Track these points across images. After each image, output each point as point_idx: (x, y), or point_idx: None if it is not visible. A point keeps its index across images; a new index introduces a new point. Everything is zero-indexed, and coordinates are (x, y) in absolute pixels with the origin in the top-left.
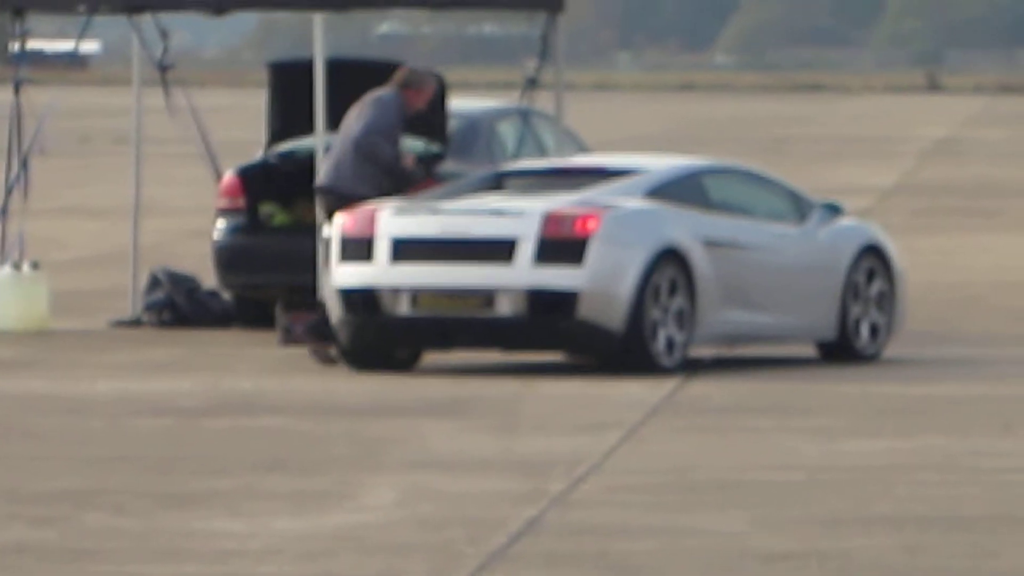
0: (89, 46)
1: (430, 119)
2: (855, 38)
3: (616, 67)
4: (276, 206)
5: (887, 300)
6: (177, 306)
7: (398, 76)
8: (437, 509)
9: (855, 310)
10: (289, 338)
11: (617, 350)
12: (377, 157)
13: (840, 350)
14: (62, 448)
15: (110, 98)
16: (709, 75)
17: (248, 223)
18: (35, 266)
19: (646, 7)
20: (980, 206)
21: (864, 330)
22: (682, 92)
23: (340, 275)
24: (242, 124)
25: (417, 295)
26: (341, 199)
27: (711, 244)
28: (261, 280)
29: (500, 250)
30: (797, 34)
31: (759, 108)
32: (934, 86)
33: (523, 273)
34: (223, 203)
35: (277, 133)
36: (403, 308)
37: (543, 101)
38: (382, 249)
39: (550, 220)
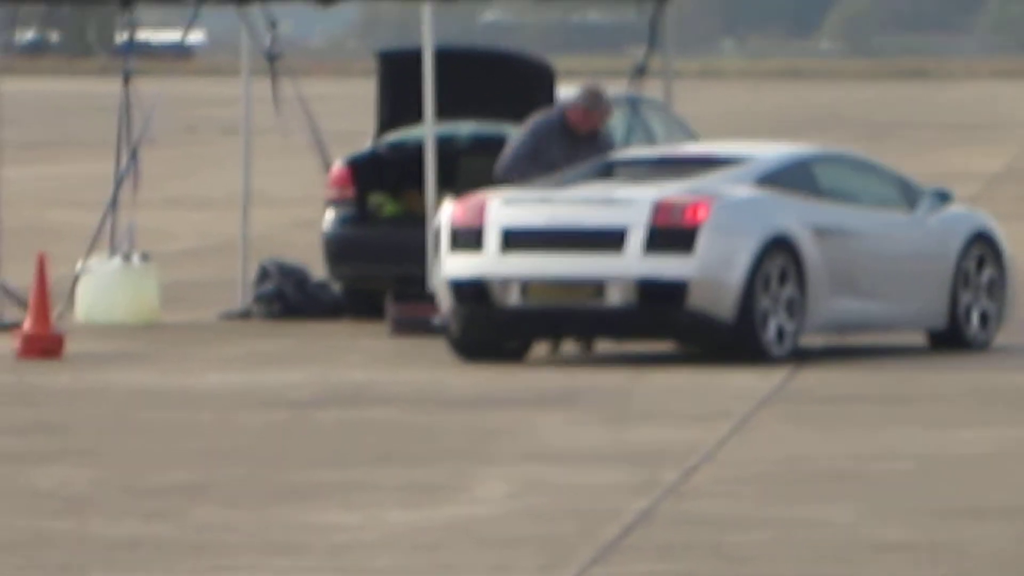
0: (195, 36)
1: (540, 107)
2: (961, 23)
3: (721, 54)
4: (385, 196)
5: (997, 288)
6: (287, 297)
7: (578, 95)
8: (549, 501)
9: (965, 298)
10: (400, 328)
11: (727, 339)
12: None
13: (950, 338)
14: (173, 442)
15: (217, 88)
16: (814, 62)
17: (357, 214)
18: (145, 258)
19: None
20: None
21: (975, 318)
22: (787, 79)
23: (450, 265)
24: (349, 114)
25: (527, 285)
26: None
27: (821, 232)
28: (371, 271)
29: (610, 239)
30: (902, 20)
31: (865, 94)
32: None
33: (633, 262)
34: (332, 194)
35: (386, 123)
36: (513, 299)
37: (651, 89)
38: (492, 239)
39: (660, 209)
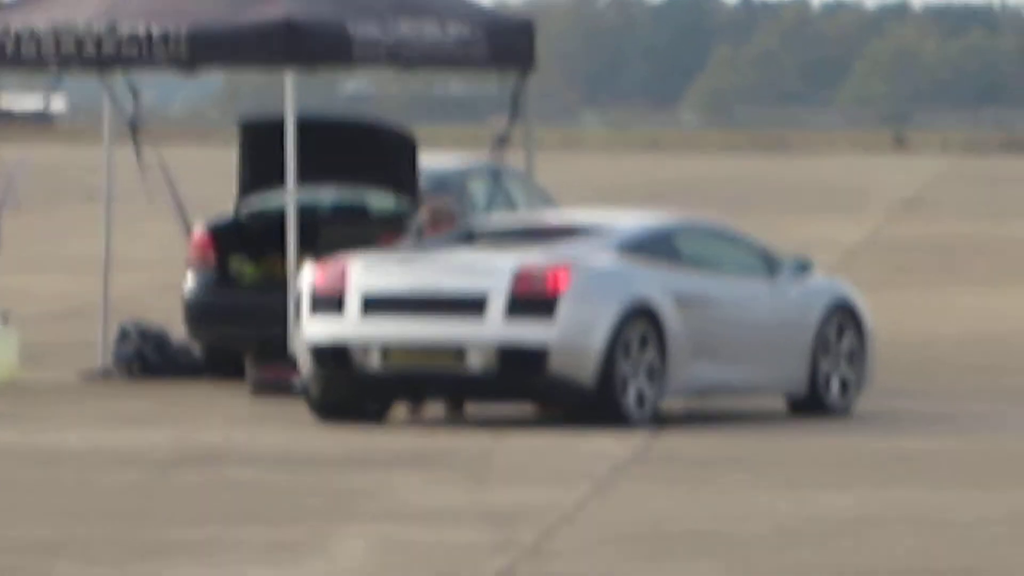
0: (55, 104)
1: (401, 175)
2: (822, 98)
3: (582, 125)
4: (246, 261)
5: (857, 356)
6: (147, 359)
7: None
8: (408, 560)
9: (825, 365)
10: (260, 390)
11: (588, 404)
12: None
13: (810, 404)
14: (32, 499)
15: (79, 154)
16: (676, 133)
17: (218, 278)
18: (5, 318)
19: (612, 67)
20: (947, 263)
21: (834, 385)
22: (648, 150)
23: (311, 329)
24: (210, 181)
25: (388, 350)
26: None
27: (681, 299)
28: (232, 334)
29: (471, 305)
30: (763, 93)
31: (726, 165)
32: (900, 144)
33: (494, 328)
34: (193, 258)
35: (247, 189)
36: (374, 363)
37: (512, 159)
38: (353, 303)
39: (521, 276)
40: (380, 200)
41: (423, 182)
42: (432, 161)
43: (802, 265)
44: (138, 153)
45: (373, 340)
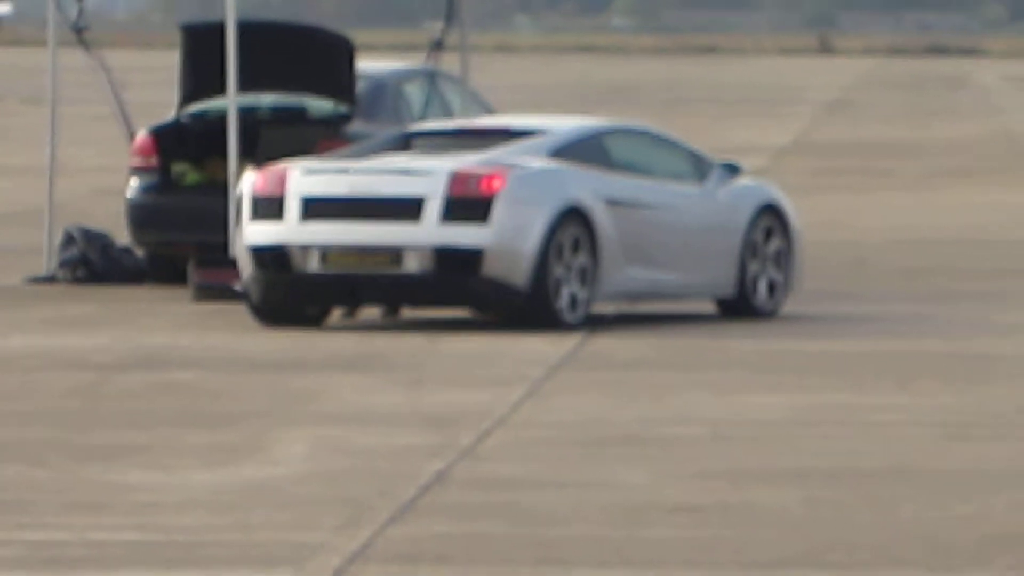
0: (1, 8)
1: (338, 80)
2: (748, 2)
3: (516, 30)
4: (188, 165)
5: (784, 258)
6: (91, 263)
7: None
8: (348, 462)
9: (753, 268)
10: (202, 293)
11: (521, 307)
12: None
13: (739, 307)
14: None
15: (22, 58)
16: (607, 37)
17: (161, 182)
18: None
19: None
20: (873, 166)
21: (762, 287)
22: (581, 54)
23: (251, 233)
24: (153, 86)
25: (326, 252)
26: None
27: (613, 203)
28: (174, 238)
29: (408, 209)
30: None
31: (656, 69)
32: (826, 48)
33: (430, 231)
34: (136, 162)
35: (189, 94)
36: (313, 265)
37: (447, 63)
38: (292, 208)
39: (456, 179)
40: (318, 105)
41: (360, 85)
42: (369, 66)
43: (731, 168)
44: (87, 56)
45: (312, 243)
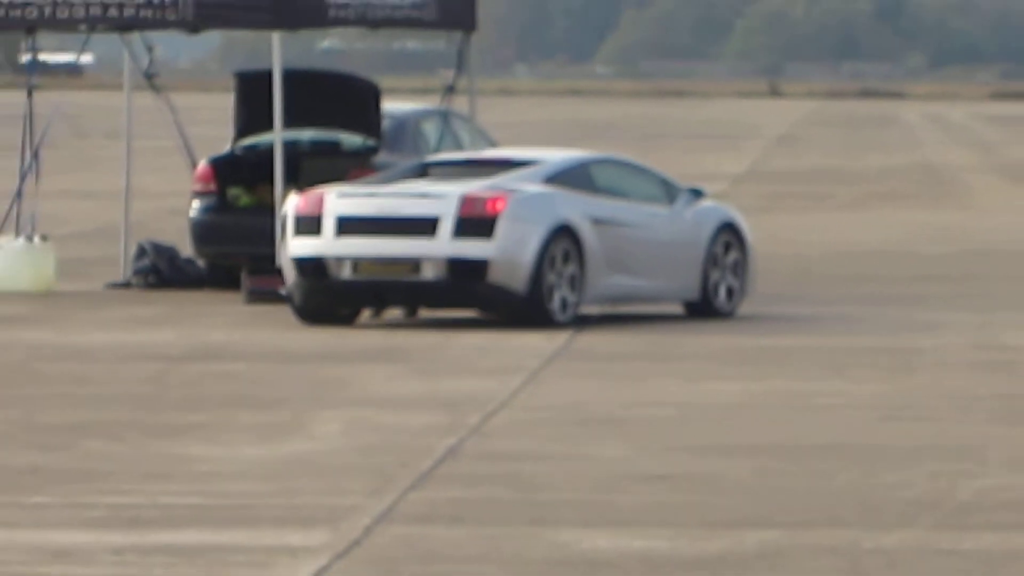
0: (85, 58)
1: (367, 118)
2: (712, 52)
3: (515, 76)
4: (242, 190)
5: (740, 268)
6: (160, 271)
7: None
8: (375, 439)
9: (714, 276)
10: (253, 297)
11: (520, 308)
12: None
13: (702, 309)
14: (67, 387)
15: (103, 101)
16: (592, 83)
17: (218, 204)
18: (44, 239)
19: (538, 26)
20: (814, 191)
21: (722, 292)
22: (570, 97)
23: (294, 246)
24: (211, 123)
25: (357, 263)
26: None
27: (597, 222)
28: (229, 250)
29: (425, 226)
30: (663, 49)
31: (633, 110)
32: (775, 92)
33: (444, 245)
34: (198, 187)
35: (242, 130)
36: (346, 273)
37: (458, 104)
38: (329, 225)
39: (466, 201)
40: (350, 139)
41: (384, 123)
42: (392, 106)
43: (696, 193)
44: (157, 97)
45: (345, 255)
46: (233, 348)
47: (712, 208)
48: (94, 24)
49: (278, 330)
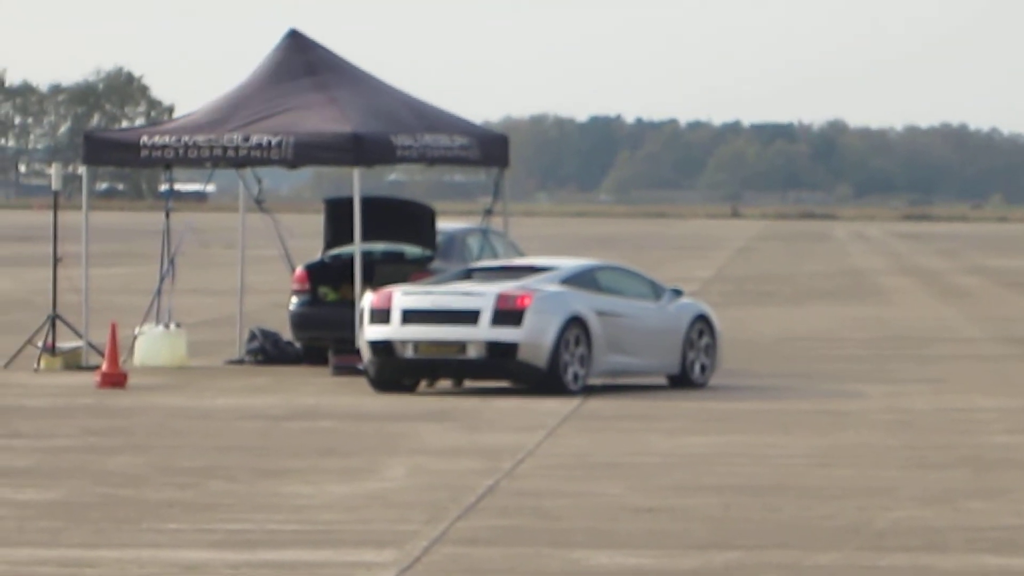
0: (209, 187)
1: (425, 234)
2: (687, 184)
3: (538, 202)
4: (329, 288)
5: (711, 349)
6: (267, 351)
7: None
8: (431, 479)
9: (691, 355)
10: (337, 371)
11: (543, 380)
12: None
13: (681, 380)
14: (195, 440)
15: (222, 220)
16: (596, 207)
17: (311, 299)
18: (178, 325)
19: (555, 164)
20: (766, 289)
21: (697, 368)
22: (580, 217)
23: (369, 332)
24: (306, 237)
25: (417, 345)
26: None
27: (601, 313)
28: (320, 335)
29: (470, 317)
30: (651, 181)
31: (628, 227)
32: (736, 214)
33: (484, 331)
34: (295, 287)
35: (329, 243)
36: (408, 353)
37: (495, 223)
38: (396, 316)
39: (501, 298)
40: (412, 250)
41: (438, 238)
42: (444, 225)
43: (676, 291)
44: (266, 216)
45: (408, 339)
46: (322, 410)
47: (689, 303)
48: (216, 162)
49: (357, 396)
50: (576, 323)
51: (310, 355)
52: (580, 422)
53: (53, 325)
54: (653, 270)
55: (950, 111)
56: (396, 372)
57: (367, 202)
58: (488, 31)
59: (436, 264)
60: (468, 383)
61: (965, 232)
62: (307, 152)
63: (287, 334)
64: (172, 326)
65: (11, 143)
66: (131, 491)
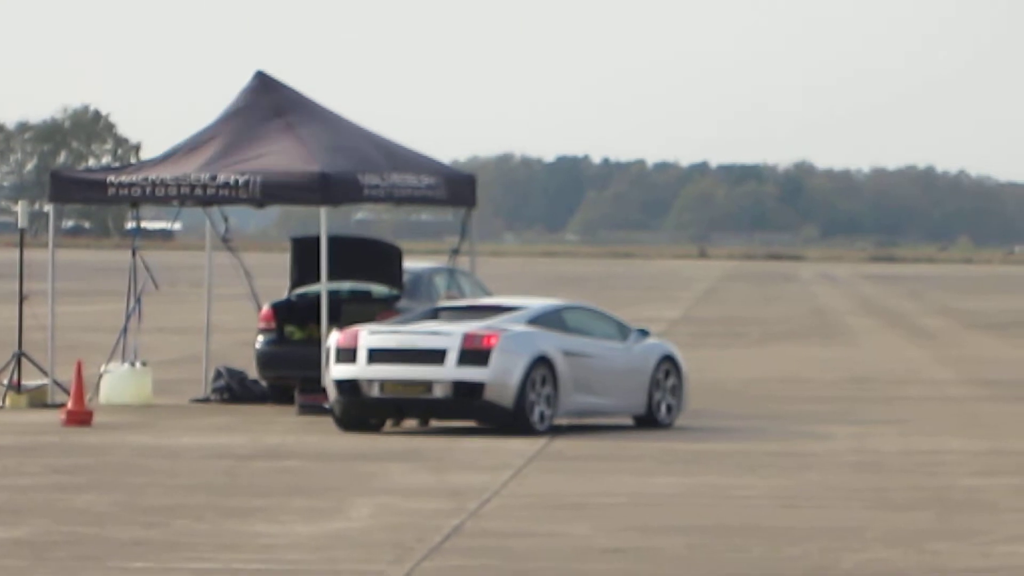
0: (176, 225)
1: (392, 273)
2: (653, 224)
3: (504, 241)
4: (295, 327)
5: (677, 389)
6: (233, 390)
7: None
8: (397, 519)
9: (657, 395)
10: (303, 410)
11: (509, 420)
12: None
13: (647, 421)
14: (161, 478)
15: (188, 259)
16: (563, 247)
17: (277, 338)
18: (144, 364)
19: (522, 204)
20: (732, 331)
21: (663, 408)
22: (546, 257)
23: (335, 371)
24: (272, 276)
25: (384, 384)
26: None
27: (567, 353)
28: (286, 374)
29: (436, 356)
30: (618, 221)
31: (594, 267)
32: (703, 255)
33: (450, 371)
34: (262, 325)
35: (296, 282)
36: (375, 392)
37: (461, 262)
38: (362, 355)
39: (467, 338)
40: (379, 289)
41: (405, 277)
42: (411, 264)
43: (643, 332)
44: (234, 255)
45: (374, 378)
46: (288, 449)
47: (655, 344)
48: (183, 200)
49: (323, 435)
50: (542, 363)
51: (276, 394)
52: (546, 462)
53: (19, 363)
54: (620, 310)
55: (917, 153)
56: (362, 411)
57: (334, 241)
58: (455, 70)
59: (403, 303)
60: (434, 422)
61: (931, 274)
62: (274, 191)
63: (253, 373)
64: (138, 364)
65: None
66: (96, 529)
